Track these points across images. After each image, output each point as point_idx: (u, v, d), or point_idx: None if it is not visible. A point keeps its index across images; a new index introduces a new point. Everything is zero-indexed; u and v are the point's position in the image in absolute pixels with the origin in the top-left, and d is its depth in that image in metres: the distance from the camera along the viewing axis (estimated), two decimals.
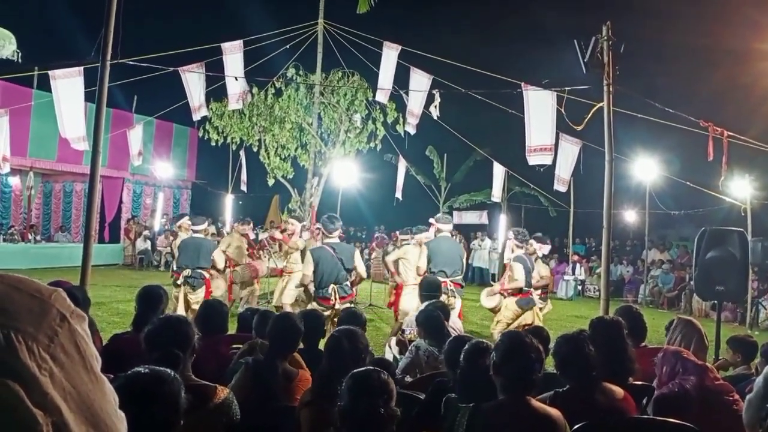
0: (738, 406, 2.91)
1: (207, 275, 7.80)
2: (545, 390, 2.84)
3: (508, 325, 7.35)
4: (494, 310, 7.91)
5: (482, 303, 8.15)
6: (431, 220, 8.18)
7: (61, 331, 0.73)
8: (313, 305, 6.57)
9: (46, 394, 0.68)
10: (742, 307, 12.97)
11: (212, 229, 14.55)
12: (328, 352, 3.05)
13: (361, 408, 2.21)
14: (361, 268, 6.99)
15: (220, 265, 8.02)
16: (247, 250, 10.41)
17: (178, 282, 7.85)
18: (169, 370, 2.04)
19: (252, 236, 11.42)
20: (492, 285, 9.64)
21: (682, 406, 2.94)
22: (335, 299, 6.44)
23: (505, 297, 7.57)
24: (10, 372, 0.67)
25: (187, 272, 7.75)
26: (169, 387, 1.96)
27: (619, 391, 2.89)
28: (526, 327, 6.93)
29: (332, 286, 6.49)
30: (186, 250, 7.90)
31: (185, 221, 8.84)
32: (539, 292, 7.89)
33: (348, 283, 6.70)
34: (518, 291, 7.38)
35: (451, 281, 7.38)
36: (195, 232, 8.14)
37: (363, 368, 2.43)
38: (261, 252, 11.60)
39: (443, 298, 6.70)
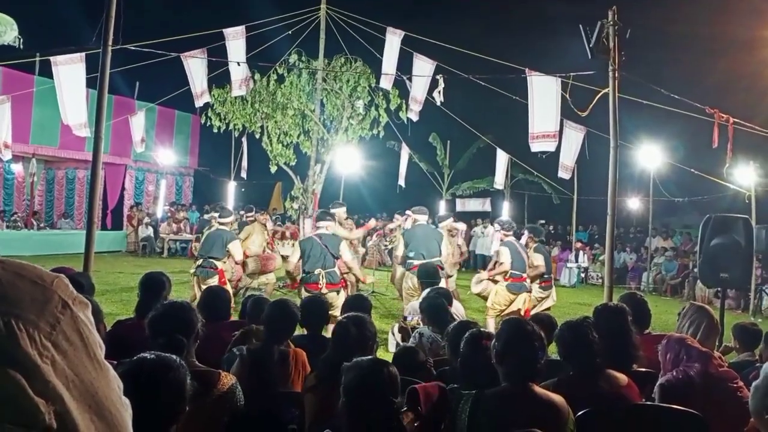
0: (742, 393, 2.91)
1: (220, 265, 7.89)
2: (549, 376, 2.84)
3: (501, 311, 7.44)
4: (482, 296, 8.11)
5: (471, 289, 8.40)
6: (408, 212, 8.89)
7: (63, 319, 0.72)
8: (302, 292, 6.91)
9: (47, 382, 0.67)
10: (745, 294, 12.98)
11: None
12: (335, 337, 3.05)
13: (366, 406, 2.21)
14: (347, 257, 7.41)
15: (238, 257, 8.12)
16: (267, 242, 10.45)
17: (191, 271, 8.09)
18: (174, 357, 2.04)
19: (270, 226, 11.42)
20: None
21: (686, 393, 2.93)
22: (322, 284, 6.81)
23: (495, 283, 7.72)
24: (10, 360, 0.66)
25: (199, 261, 7.99)
26: (175, 373, 1.95)
27: (622, 377, 2.89)
28: (531, 313, 7.03)
29: (319, 270, 6.87)
30: (205, 241, 8.17)
31: (214, 215, 8.84)
32: (539, 281, 7.98)
33: (336, 270, 7.13)
34: (508, 275, 7.51)
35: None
36: (221, 224, 8.26)
37: (367, 362, 2.37)
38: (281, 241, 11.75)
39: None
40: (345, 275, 8.05)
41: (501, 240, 7.91)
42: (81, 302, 0.76)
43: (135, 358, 2.00)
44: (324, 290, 6.74)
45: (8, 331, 0.67)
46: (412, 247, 7.98)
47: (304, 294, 6.80)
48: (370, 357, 2.53)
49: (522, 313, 7.31)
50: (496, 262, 7.90)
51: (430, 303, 4.54)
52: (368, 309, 4.30)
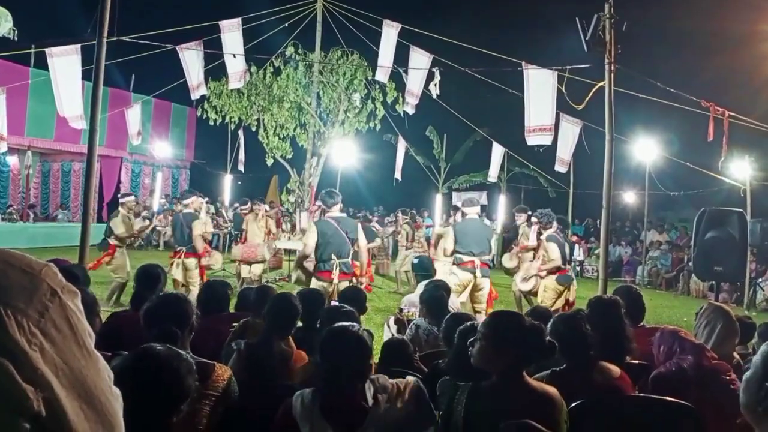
0: (735, 385, 2.93)
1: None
2: (543, 369, 2.85)
3: (552, 304, 7.44)
4: (532, 293, 8.05)
5: (519, 287, 8.32)
6: (457, 203, 8.57)
7: (51, 306, 0.72)
8: (313, 282, 6.40)
9: (36, 369, 0.67)
10: (739, 288, 13.03)
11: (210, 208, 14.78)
12: None
13: (337, 366, 2.35)
14: (363, 242, 6.97)
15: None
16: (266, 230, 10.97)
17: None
18: (179, 351, 2.05)
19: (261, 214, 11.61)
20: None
21: (679, 385, 2.95)
22: (336, 274, 6.27)
23: (542, 278, 7.70)
24: None
25: None
26: (178, 366, 1.97)
27: (615, 370, 2.90)
28: (570, 304, 7.12)
29: (335, 259, 6.32)
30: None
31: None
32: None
33: (350, 260, 6.53)
34: (556, 269, 7.51)
35: (479, 260, 7.52)
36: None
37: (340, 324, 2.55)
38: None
39: (471, 277, 7.34)
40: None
41: (538, 233, 7.86)
42: (70, 291, 0.77)
43: (139, 348, 2.01)
44: (336, 280, 6.27)
45: None
46: (462, 243, 7.54)
47: (316, 283, 6.32)
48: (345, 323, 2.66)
49: (571, 303, 7.43)
50: (542, 258, 7.78)
51: (431, 295, 4.54)
52: (363, 301, 4.32)
